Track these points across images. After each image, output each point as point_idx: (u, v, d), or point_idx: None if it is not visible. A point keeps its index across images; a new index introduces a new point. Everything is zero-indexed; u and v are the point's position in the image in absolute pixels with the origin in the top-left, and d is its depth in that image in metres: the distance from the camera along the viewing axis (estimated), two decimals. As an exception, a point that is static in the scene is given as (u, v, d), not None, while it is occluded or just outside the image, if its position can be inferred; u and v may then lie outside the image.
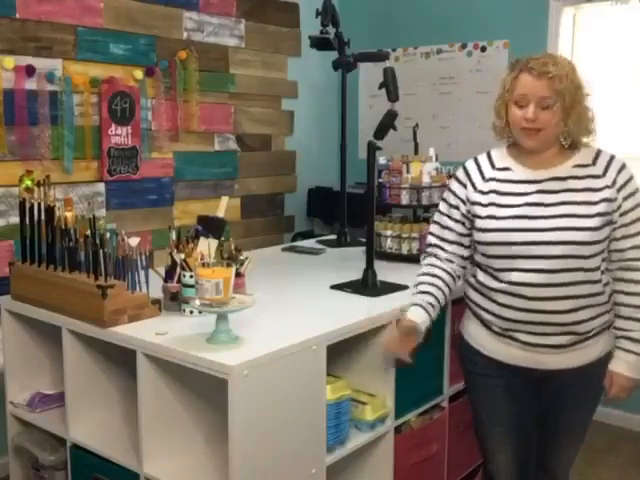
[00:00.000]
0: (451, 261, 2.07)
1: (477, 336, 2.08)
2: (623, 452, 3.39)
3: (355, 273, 2.45)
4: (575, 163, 1.94)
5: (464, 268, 2.10)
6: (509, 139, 2.01)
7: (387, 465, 2.22)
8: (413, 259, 2.77)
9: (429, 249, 2.12)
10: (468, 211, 2.01)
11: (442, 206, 2.10)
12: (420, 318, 2.00)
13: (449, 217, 2.06)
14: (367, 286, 2.37)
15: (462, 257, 2.07)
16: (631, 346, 1.98)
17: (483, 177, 2.01)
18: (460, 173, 2.07)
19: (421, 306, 2.01)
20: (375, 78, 2.54)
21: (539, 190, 1.93)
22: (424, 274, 2.08)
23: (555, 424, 2.11)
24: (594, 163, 1.94)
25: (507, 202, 1.95)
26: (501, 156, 2.02)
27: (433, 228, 2.12)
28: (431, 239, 2.12)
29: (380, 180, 2.87)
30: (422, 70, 4.23)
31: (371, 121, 2.62)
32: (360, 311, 2.13)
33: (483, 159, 2.05)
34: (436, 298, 2.03)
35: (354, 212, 3.28)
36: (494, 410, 2.10)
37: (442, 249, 2.07)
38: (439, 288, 2.04)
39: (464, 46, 4.06)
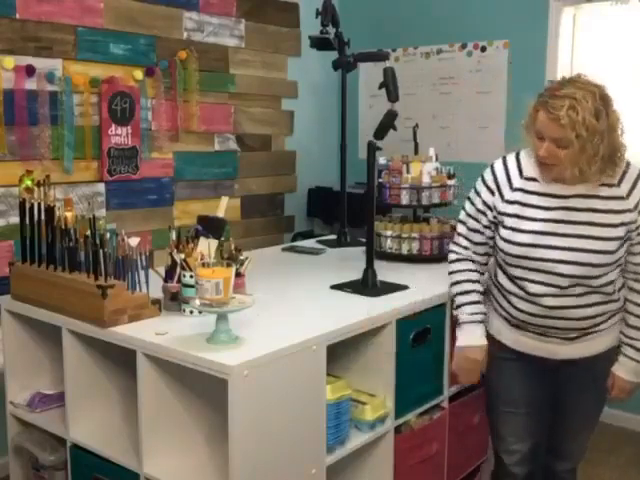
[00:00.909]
0: (483, 264, 2.14)
1: (495, 326, 2.16)
2: (624, 452, 3.38)
3: (355, 273, 2.45)
4: (602, 181, 1.92)
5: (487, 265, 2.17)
6: None
7: (387, 465, 2.22)
8: (413, 259, 2.78)
9: (459, 250, 2.15)
10: (495, 217, 2.03)
11: (469, 207, 2.11)
12: (482, 340, 2.13)
13: (476, 220, 2.09)
14: (367, 286, 2.37)
15: (489, 256, 2.14)
16: (634, 354, 2.06)
17: (511, 186, 2.00)
18: (489, 177, 2.05)
19: (477, 323, 2.12)
20: (375, 78, 2.54)
21: (564, 207, 1.93)
22: (465, 281, 2.13)
23: (563, 409, 2.16)
24: (619, 184, 1.93)
25: (531, 215, 1.95)
26: (529, 163, 2.00)
27: (461, 229, 2.15)
28: (461, 240, 2.15)
29: (380, 180, 2.87)
30: (422, 70, 4.22)
31: (371, 121, 2.62)
32: (360, 311, 2.13)
33: (512, 164, 2.03)
34: (483, 311, 2.13)
35: (354, 212, 3.28)
36: (510, 390, 2.16)
37: (475, 253, 2.12)
38: (481, 293, 2.14)
39: (464, 46, 4.05)
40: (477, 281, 2.14)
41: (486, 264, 2.15)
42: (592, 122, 1.78)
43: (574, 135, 1.78)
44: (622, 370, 2.07)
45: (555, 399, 2.17)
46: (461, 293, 2.14)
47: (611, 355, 2.08)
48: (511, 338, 2.11)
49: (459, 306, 2.15)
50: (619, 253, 1.92)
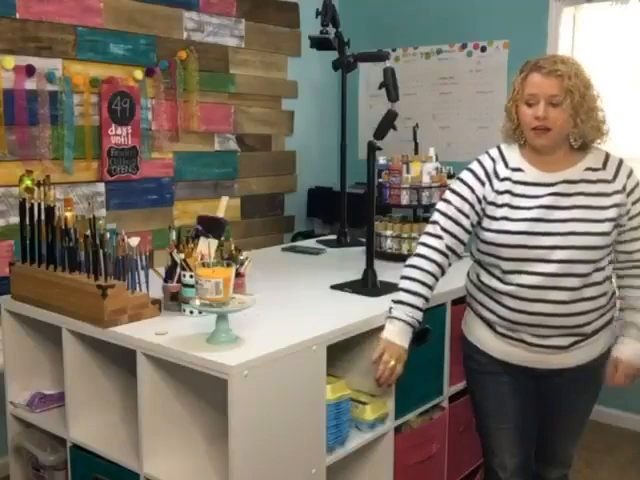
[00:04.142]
0: (446, 255, 2.03)
1: (480, 336, 2.08)
2: (622, 452, 3.38)
3: (355, 273, 2.45)
4: (586, 166, 1.94)
5: (450, 264, 2.06)
6: (520, 140, 1.99)
7: (387, 465, 2.22)
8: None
9: (431, 241, 2.02)
10: (483, 210, 1.98)
11: (452, 198, 2.02)
12: (405, 339, 2.02)
13: (459, 211, 2.00)
14: (367, 286, 2.37)
15: (456, 253, 2.05)
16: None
17: (498, 176, 1.98)
18: (478, 169, 2.01)
19: (406, 322, 2.02)
20: (375, 78, 2.54)
21: (553, 193, 1.92)
22: (420, 282, 2.02)
23: (558, 412, 2.12)
24: (604, 167, 1.94)
25: (521, 204, 1.93)
26: (513, 155, 2.00)
27: (437, 217, 2.03)
28: (436, 230, 2.03)
29: (380, 180, 2.87)
30: (422, 70, 4.22)
31: (371, 121, 2.62)
32: (360, 311, 2.13)
33: (497, 156, 2.02)
34: (418, 307, 2.03)
35: (354, 212, 3.28)
36: (501, 407, 2.10)
37: (447, 247, 2.01)
38: (429, 287, 2.03)
39: (464, 46, 4.06)
40: (430, 287, 2.03)
41: (443, 271, 2.04)
42: (583, 75, 1.87)
43: (570, 85, 1.83)
44: (629, 353, 1.99)
45: (549, 402, 2.12)
46: (408, 292, 2.03)
47: (607, 356, 2.04)
48: (498, 349, 2.04)
49: (400, 302, 2.03)
50: (612, 236, 1.92)
